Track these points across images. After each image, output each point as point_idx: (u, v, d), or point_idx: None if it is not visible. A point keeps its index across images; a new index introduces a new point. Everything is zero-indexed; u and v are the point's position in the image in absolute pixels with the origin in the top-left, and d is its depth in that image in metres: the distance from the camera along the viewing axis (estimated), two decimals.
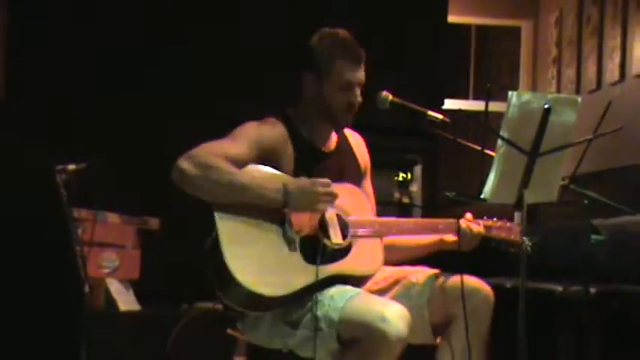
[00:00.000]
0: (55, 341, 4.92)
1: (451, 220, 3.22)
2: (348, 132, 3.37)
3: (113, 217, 5.04)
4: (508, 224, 3.31)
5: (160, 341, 4.60)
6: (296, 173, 3.09)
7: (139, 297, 5.13)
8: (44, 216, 4.84)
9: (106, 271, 4.96)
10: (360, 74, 3.17)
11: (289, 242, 2.97)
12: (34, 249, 5.18)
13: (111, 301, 4.92)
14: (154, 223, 5.21)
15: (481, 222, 3.28)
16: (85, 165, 4.21)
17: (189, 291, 5.09)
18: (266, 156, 3.07)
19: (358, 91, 3.16)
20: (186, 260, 5.19)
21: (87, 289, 4.09)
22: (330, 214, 3.07)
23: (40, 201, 4.72)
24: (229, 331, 3.87)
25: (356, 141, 3.39)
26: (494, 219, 3.32)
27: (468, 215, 3.26)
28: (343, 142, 3.32)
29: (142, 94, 5.69)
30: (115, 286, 4.97)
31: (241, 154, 3.01)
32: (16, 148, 5.40)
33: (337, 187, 3.13)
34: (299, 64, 3.21)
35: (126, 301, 4.99)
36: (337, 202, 3.09)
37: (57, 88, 5.63)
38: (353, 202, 3.16)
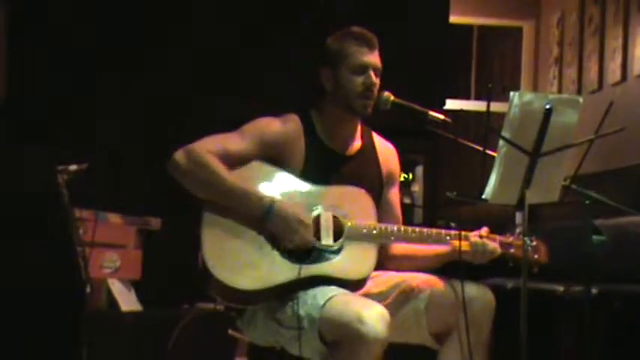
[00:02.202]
0: (57, 342, 4.92)
1: (461, 233, 3.17)
2: (379, 140, 3.37)
3: (114, 218, 5.04)
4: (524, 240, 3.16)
5: (162, 342, 4.60)
6: (304, 172, 3.10)
7: (141, 297, 5.13)
8: (46, 216, 4.84)
9: (108, 271, 4.96)
10: (374, 58, 3.16)
11: (273, 241, 2.99)
12: (36, 249, 5.18)
13: (112, 302, 4.92)
14: (155, 223, 5.21)
15: (498, 237, 3.21)
16: (87, 165, 4.21)
17: (190, 291, 5.09)
18: (272, 152, 3.08)
19: (373, 74, 3.14)
20: (187, 261, 5.19)
21: (88, 289, 4.09)
22: (326, 216, 3.06)
23: (41, 201, 4.72)
24: (230, 331, 3.87)
25: (385, 150, 3.37)
26: (518, 234, 3.23)
27: (484, 230, 3.22)
28: (368, 148, 3.30)
29: (143, 93, 5.69)
30: (116, 287, 4.97)
31: (243, 149, 3.04)
32: (17, 148, 5.40)
33: (343, 190, 3.15)
34: (316, 64, 3.22)
35: (127, 301, 4.98)
36: (339, 204, 3.10)
37: (58, 87, 5.63)
38: (356, 206, 3.14)
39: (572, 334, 4.35)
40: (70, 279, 4.33)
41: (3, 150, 5.39)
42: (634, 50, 6.13)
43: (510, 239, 3.23)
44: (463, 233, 3.15)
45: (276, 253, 2.98)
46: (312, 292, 2.95)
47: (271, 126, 3.11)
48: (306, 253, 3.00)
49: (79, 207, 4.49)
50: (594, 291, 4.10)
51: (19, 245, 5.21)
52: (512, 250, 3.22)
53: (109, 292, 4.94)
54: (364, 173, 3.25)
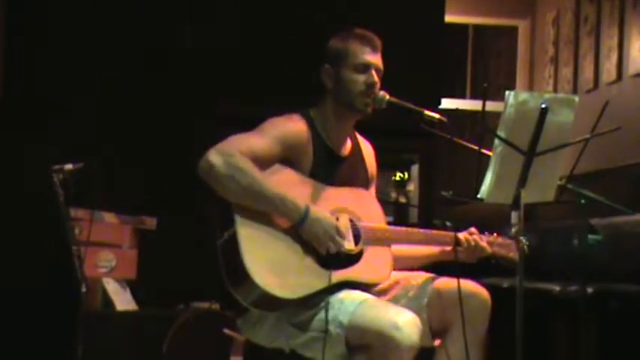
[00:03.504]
0: (52, 341, 4.92)
1: (456, 234, 3.23)
2: (362, 140, 3.39)
3: (110, 217, 5.03)
4: (508, 241, 3.29)
5: (157, 341, 4.60)
6: (313, 173, 3.10)
7: (136, 297, 5.12)
8: (41, 216, 4.84)
9: (103, 270, 4.96)
10: (376, 58, 3.18)
11: (305, 247, 2.98)
12: (31, 249, 5.18)
13: (108, 301, 4.92)
14: (150, 222, 5.21)
15: (484, 237, 3.28)
16: (82, 165, 4.20)
17: (185, 291, 5.09)
18: (288, 154, 3.08)
19: (375, 73, 3.16)
20: (183, 260, 5.20)
21: (84, 288, 4.08)
22: (344, 220, 3.07)
23: (37, 201, 4.71)
24: (226, 331, 3.87)
25: (367, 149, 3.40)
26: (495, 234, 3.32)
27: (473, 229, 3.26)
28: (356, 148, 3.33)
29: (140, 94, 5.69)
30: (111, 286, 4.96)
31: (267, 150, 3.01)
32: (14, 148, 5.40)
33: (351, 192, 3.17)
34: (317, 63, 3.22)
35: (123, 300, 4.98)
36: (351, 207, 3.12)
37: (55, 87, 5.62)
38: (366, 208, 3.17)
39: (567, 333, 4.35)
40: (65, 278, 4.32)
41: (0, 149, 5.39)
42: (629, 49, 6.13)
43: (492, 238, 3.31)
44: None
45: (308, 260, 2.98)
46: (337, 295, 2.96)
47: (288, 126, 3.11)
48: (334, 258, 2.99)
49: (74, 206, 4.48)
50: (590, 290, 4.10)
51: (14, 245, 5.21)
52: (495, 249, 3.29)
53: (105, 292, 4.93)
54: (356, 173, 3.28)
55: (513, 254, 3.24)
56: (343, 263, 3.02)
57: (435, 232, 3.27)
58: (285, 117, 3.15)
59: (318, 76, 3.23)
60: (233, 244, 2.90)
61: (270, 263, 2.91)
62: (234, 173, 2.90)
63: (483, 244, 3.25)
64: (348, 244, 3.04)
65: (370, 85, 3.14)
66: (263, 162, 2.99)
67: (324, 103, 3.22)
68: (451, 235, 3.22)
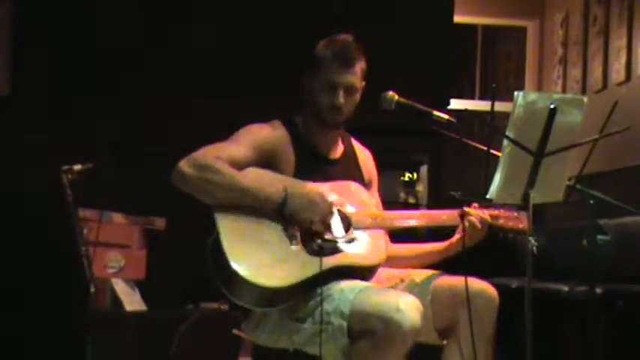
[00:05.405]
0: (61, 341, 4.93)
1: (455, 211, 3.21)
2: (358, 146, 3.40)
3: (118, 217, 5.04)
4: (516, 214, 3.28)
5: (166, 341, 4.60)
6: (296, 177, 3.11)
7: (145, 297, 5.13)
8: (50, 216, 4.85)
9: (112, 271, 4.96)
10: (347, 77, 3.15)
11: (290, 237, 2.99)
12: (40, 249, 5.20)
13: (117, 302, 4.92)
14: (159, 223, 5.22)
15: (487, 211, 3.25)
16: (91, 165, 4.22)
17: (194, 291, 5.10)
18: (266, 159, 3.11)
19: (341, 93, 3.14)
20: (192, 260, 5.20)
21: (92, 289, 4.09)
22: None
23: (46, 201, 4.73)
24: (235, 331, 3.87)
25: (363, 155, 3.41)
26: (501, 210, 3.30)
27: (475, 204, 3.25)
28: (350, 152, 3.34)
29: (147, 94, 5.70)
30: (120, 287, 4.97)
31: (242, 156, 3.05)
32: (21, 146, 5.41)
33: (338, 184, 3.18)
34: (302, 69, 3.24)
35: (132, 301, 4.99)
36: (338, 197, 3.12)
37: (61, 86, 5.64)
38: (354, 197, 3.18)
39: (576, 333, 4.35)
40: (74, 279, 4.34)
41: (6, 149, 5.40)
42: (638, 50, 6.12)
43: (497, 212, 3.29)
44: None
45: (295, 249, 2.98)
46: (337, 286, 2.95)
47: (263, 132, 3.14)
48: (322, 246, 2.99)
49: (83, 207, 4.50)
50: (599, 291, 4.10)
51: (23, 245, 5.23)
52: (500, 222, 3.27)
53: (113, 292, 4.94)
54: (349, 176, 3.28)
55: (523, 225, 3.22)
56: (334, 250, 3.03)
57: (430, 212, 3.25)
58: (260, 124, 3.18)
59: (300, 83, 3.24)
60: (217, 243, 2.92)
61: (255, 256, 2.92)
62: (205, 174, 2.94)
63: (484, 215, 3.22)
64: (337, 232, 3.05)
65: (334, 106, 3.15)
66: (237, 167, 3.02)
67: (306, 108, 3.24)
68: (447, 213, 3.21)
